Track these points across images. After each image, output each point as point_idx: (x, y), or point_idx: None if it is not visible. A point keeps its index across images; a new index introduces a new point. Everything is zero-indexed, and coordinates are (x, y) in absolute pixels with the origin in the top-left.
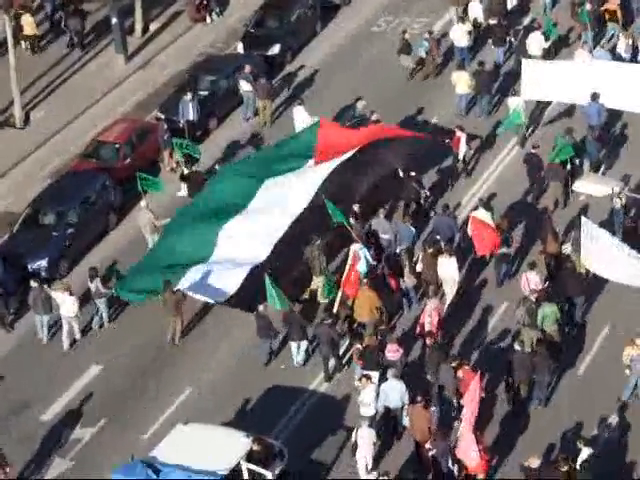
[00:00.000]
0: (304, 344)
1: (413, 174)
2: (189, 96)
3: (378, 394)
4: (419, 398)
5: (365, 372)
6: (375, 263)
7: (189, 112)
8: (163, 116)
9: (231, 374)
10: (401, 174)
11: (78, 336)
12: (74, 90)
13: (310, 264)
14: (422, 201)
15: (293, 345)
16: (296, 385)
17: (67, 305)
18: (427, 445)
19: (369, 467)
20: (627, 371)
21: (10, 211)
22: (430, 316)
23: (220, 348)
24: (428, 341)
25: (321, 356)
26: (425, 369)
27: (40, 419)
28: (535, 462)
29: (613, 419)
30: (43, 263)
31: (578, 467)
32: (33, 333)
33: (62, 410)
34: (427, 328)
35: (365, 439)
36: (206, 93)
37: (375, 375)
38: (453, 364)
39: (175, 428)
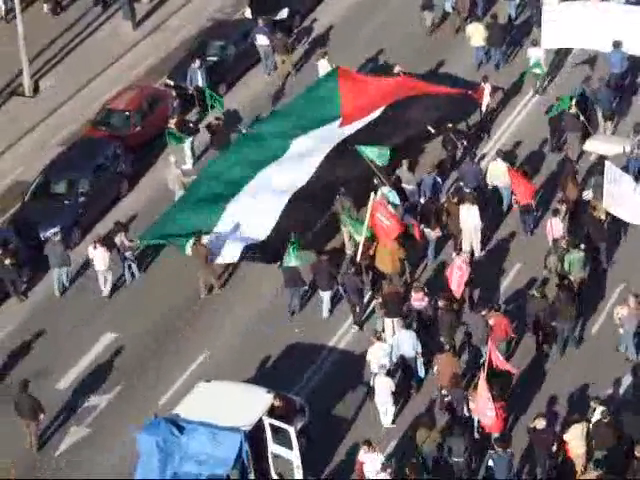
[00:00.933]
0: (329, 294)
1: (450, 125)
2: (197, 63)
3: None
4: (447, 346)
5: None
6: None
7: (198, 79)
8: (172, 83)
9: (251, 333)
10: (432, 130)
11: (107, 292)
12: (83, 58)
13: (338, 216)
14: (459, 152)
15: (322, 294)
16: (318, 341)
17: (98, 259)
18: (443, 392)
19: (389, 413)
20: (620, 330)
21: (21, 180)
22: (460, 269)
23: (239, 307)
24: (440, 303)
25: (349, 305)
26: (439, 331)
27: (56, 387)
28: (541, 423)
29: (626, 379)
30: (51, 234)
31: (592, 427)
32: (47, 301)
33: (77, 378)
34: (456, 282)
35: (382, 388)
36: (215, 59)
37: (394, 323)
38: (483, 312)
39: (197, 386)
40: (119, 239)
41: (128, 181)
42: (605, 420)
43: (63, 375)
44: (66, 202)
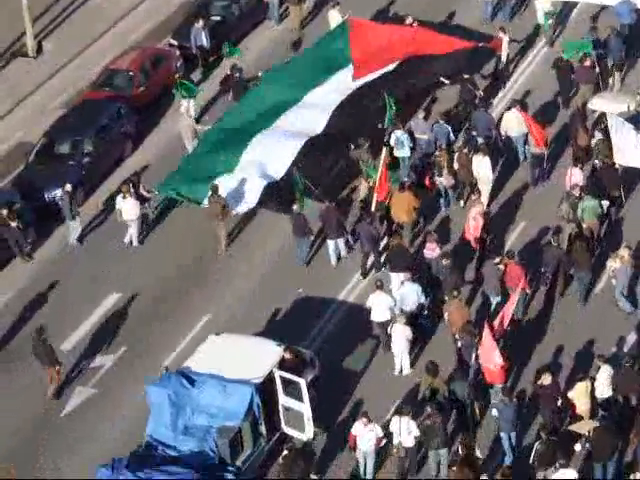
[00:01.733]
0: (341, 242)
1: (467, 76)
2: (201, 23)
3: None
4: (456, 292)
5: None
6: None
7: (202, 39)
8: (176, 43)
9: (261, 284)
10: (445, 81)
11: (135, 241)
12: (85, 19)
13: (355, 166)
14: (477, 101)
15: (330, 243)
16: (327, 294)
17: (128, 208)
18: (455, 336)
19: (405, 363)
20: (613, 281)
21: (24, 142)
22: (475, 219)
23: (246, 264)
24: (444, 262)
25: (362, 252)
26: (443, 289)
27: (61, 348)
28: (547, 379)
29: (631, 337)
30: (60, 193)
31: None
32: (52, 263)
33: (82, 339)
34: (472, 232)
35: (399, 335)
36: (218, 19)
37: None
38: (496, 260)
39: (208, 339)
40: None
41: (132, 141)
42: (628, 364)
43: (68, 336)
44: (70, 163)
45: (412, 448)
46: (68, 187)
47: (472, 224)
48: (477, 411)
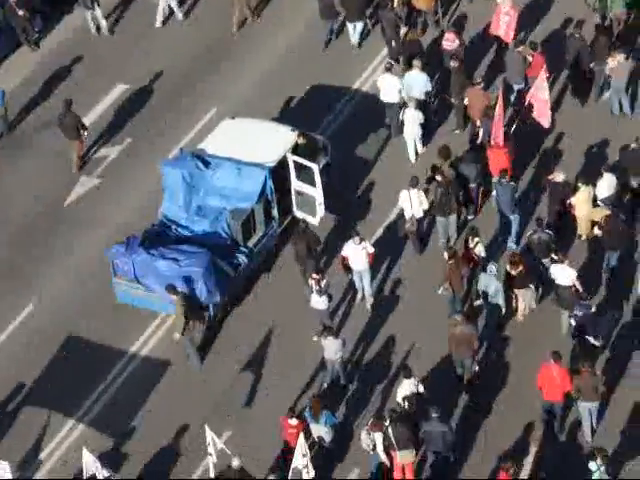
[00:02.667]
0: (360, 25)
1: None
2: None
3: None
4: (478, 79)
5: None
6: None
7: None
8: None
9: (278, 69)
10: None
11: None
12: None
13: None
14: None
15: (350, 26)
16: (342, 83)
17: None
18: (476, 122)
19: (418, 146)
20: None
21: None
22: (508, 14)
23: (267, 43)
24: (452, 64)
25: (385, 39)
26: (449, 93)
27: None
28: (560, 176)
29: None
30: None
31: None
32: (57, 55)
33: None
34: (503, 29)
35: (411, 120)
36: None
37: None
38: (520, 48)
39: (222, 122)
40: None
41: None
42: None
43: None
44: None
45: (422, 219)
46: None
47: (504, 19)
48: (481, 194)
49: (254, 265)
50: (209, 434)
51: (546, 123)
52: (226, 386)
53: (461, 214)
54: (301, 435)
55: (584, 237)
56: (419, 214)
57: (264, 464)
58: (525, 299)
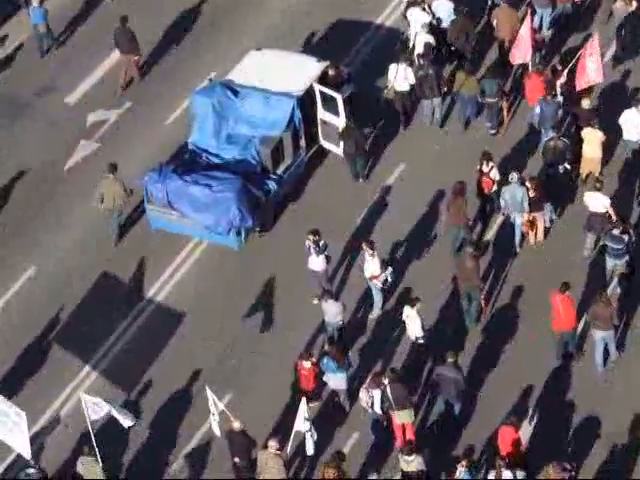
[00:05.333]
0: None
1: None
2: None
3: None
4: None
5: None
6: None
7: None
8: None
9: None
10: None
11: None
12: None
13: None
14: None
15: None
16: (366, 17)
17: None
18: (505, 43)
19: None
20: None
21: None
22: None
23: None
24: None
25: None
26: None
27: (65, 101)
28: (586, 103)
29: None
30: None
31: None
32: (56, 19)
33: (87, 92)
34: None
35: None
36: None
37: None
38: None
39: (248, 53)
40: None
41: None
42: None
43: (73, 90)
44: None
45: (406, 93)
46: None
47: None
48: (506, 109)
49: (283, 191)
50: (210, 395)
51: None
52: (227, 348)
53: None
54: (303, 400)
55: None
56: (404, 88)
57: (265, 427)
58: (540, 222)
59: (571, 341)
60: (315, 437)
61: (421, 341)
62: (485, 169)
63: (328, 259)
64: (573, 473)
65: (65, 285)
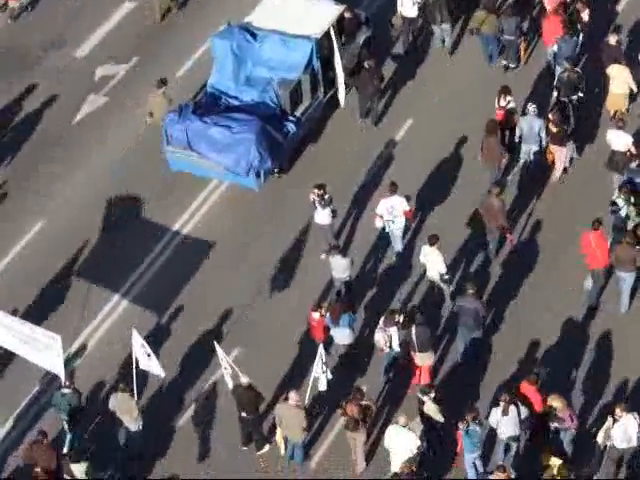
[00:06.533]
0: None
1: None
2: None
3: None
4: None
5: None
6: None
7: None
8: None
9: None
10: None
11: None
12: None
13: None
14: None
15: None
16: None
17: None
18: None
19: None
20: None
21: None
22: None
23: None
24: None
25: None
26: None
27: (74, 55)
28: (613, 39)
29: None
30: None
31: None
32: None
33: (96, 46)
34: None
35: None
36: None
37: None
38: None
39: None
40: None
41: None
42: None
43: (82, 43)
44: None
45: (414, 19)
46: None
47: None
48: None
49: (302, 133)
50: (219, 350)
51: None
52: (236, 302)
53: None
54: (320, 346)
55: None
56: (412, 14)
57: (272, 382)
58: (561, 157)
59: (598, 280)
60: (329, 376)
61: (446, 277)
62: (502, 103)
63: (334, 213)
64: (575, 422)
65: (88, 223)
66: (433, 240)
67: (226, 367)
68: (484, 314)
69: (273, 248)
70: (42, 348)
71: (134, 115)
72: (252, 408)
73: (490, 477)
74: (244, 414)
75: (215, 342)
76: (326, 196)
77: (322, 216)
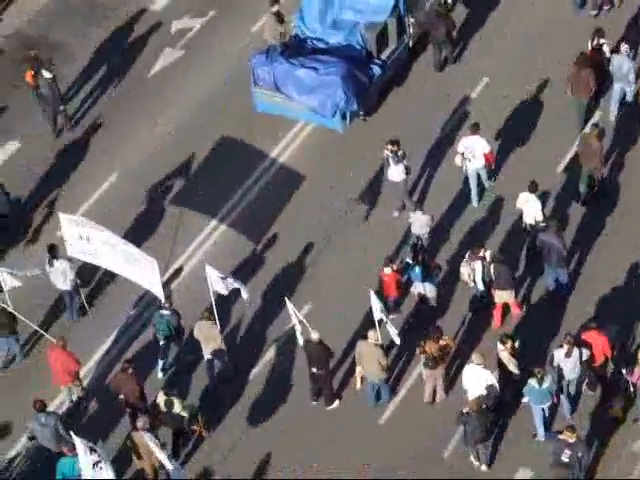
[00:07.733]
0: None
1: None
2: None
3: None
4: None
5: None
6: None
7: None
8: None
9: None
10: None
11: None
12: None
13: None
14: None
15: None
16: None
17: None
18: None
19: None
20: None
21: None
22: None
23: None
24: None
25: None
26: None
27: (150, 8)
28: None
29: None
30: None
31: None
32: None
33: (172, 0)
34: None
35: None
36: None
37: None
38: None
39: None
40: None
41: None
42: None
43: None
44: None
45: None
46: None
47: None
48: None
49: (387, 76)
50: (290, 306)
51: None
52: (307, 261)
53: None
54: (371, 292)
55: None
56: None
57: (342, 338)
58: None
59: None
60: (394, 329)
61: (542, 224)
62: (595, 45)
63: (407, 169)
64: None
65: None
66: (533, 187)
67: (296, 323)
68: (562, 251)
69: (348, 194)
70: (143, 268)
71: (210, 69)
72: (322, 364)
73: (560, 437)
74: (314, 369)
75: (286, 298)
76: (400, 152)
77: (395, 172)
